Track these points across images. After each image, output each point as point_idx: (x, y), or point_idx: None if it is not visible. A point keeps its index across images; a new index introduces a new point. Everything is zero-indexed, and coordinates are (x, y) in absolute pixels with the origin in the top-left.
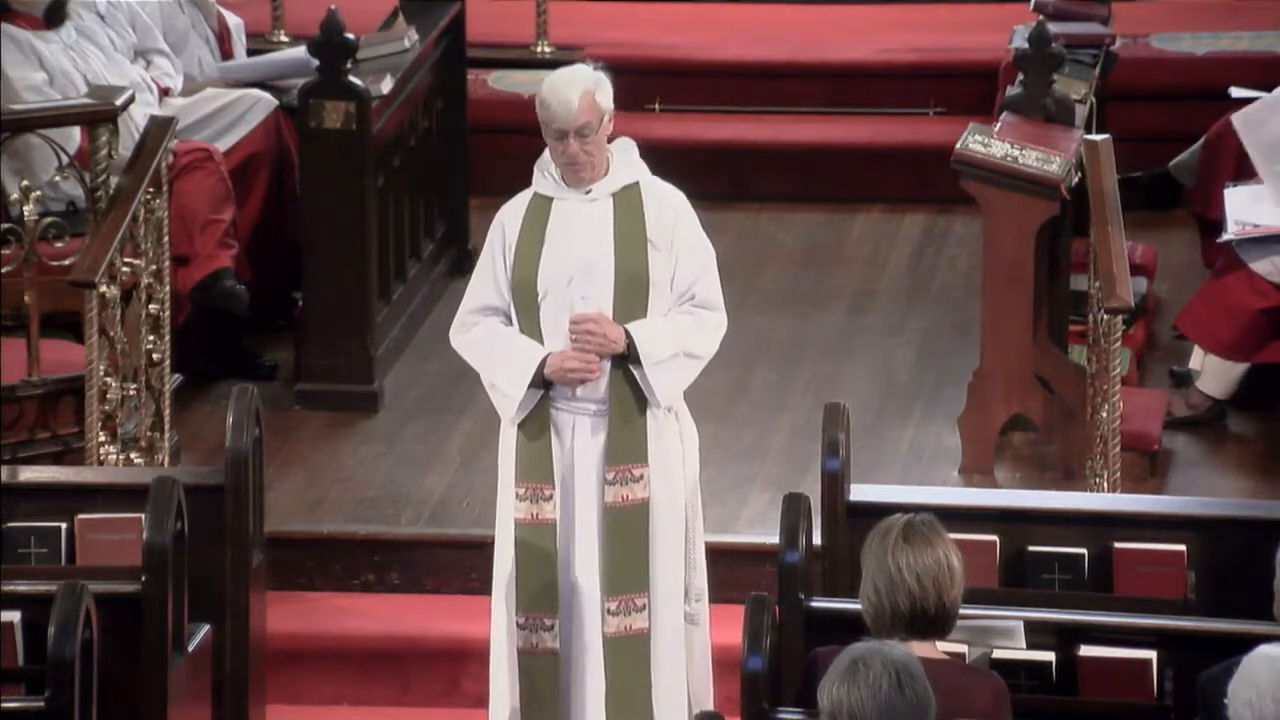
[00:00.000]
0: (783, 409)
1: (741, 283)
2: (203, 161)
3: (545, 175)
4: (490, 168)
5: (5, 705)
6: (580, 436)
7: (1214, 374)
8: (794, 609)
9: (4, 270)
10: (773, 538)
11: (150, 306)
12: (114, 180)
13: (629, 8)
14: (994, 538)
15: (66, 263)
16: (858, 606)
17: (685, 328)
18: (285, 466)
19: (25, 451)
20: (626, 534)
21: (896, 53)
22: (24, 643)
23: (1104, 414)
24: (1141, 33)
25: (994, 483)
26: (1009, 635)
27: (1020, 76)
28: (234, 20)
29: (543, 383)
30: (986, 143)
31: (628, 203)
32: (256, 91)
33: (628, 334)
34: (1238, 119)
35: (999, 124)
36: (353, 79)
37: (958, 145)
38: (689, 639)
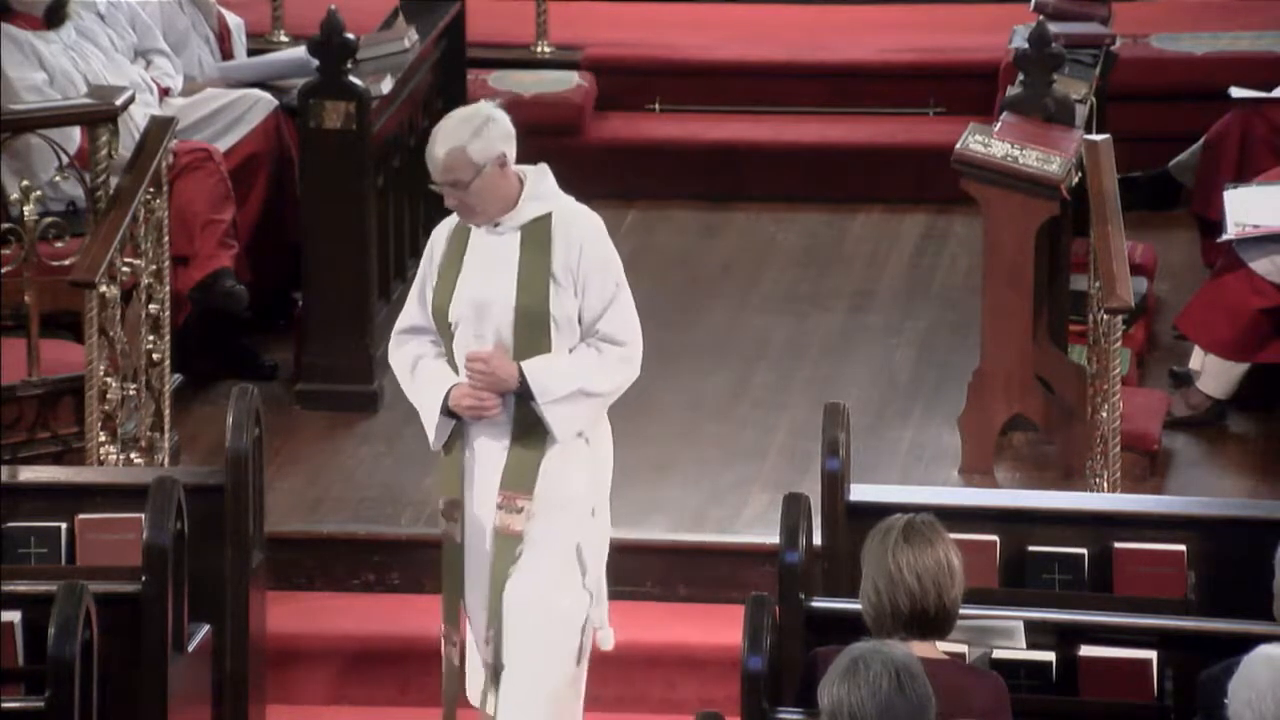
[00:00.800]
0: (783, 409)
1: (741, 283)
2: (203, 161)
3: None
4: None
5: (5, 705)
6: (484, 464)
7: (1214, 374)
8: (794, 609)
9: (4, 270)
10: (773, 538)
11: (150, 306)
12: (114, 180)
13: (629, 8)
14: (994, 538)
15: (66, 263)
16: (858, 606)
17: (585, 364)
18: (285, 466)
19: (25, 451)
20: (504, 562)
21: (896, 53)
22: (24, 643)
23: (1104, 414)
24: (1141, 33)
25: (994, 483)
26: (1009, 635)
27: (1020, 76)
28: (234, 20)
29: (451, 412)
30: (986, 143)
31: (535, 236)
32: (256, 91)
33: (521, 372)
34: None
35: (999, 124)
36: (353, 79)
37: (958, 145)
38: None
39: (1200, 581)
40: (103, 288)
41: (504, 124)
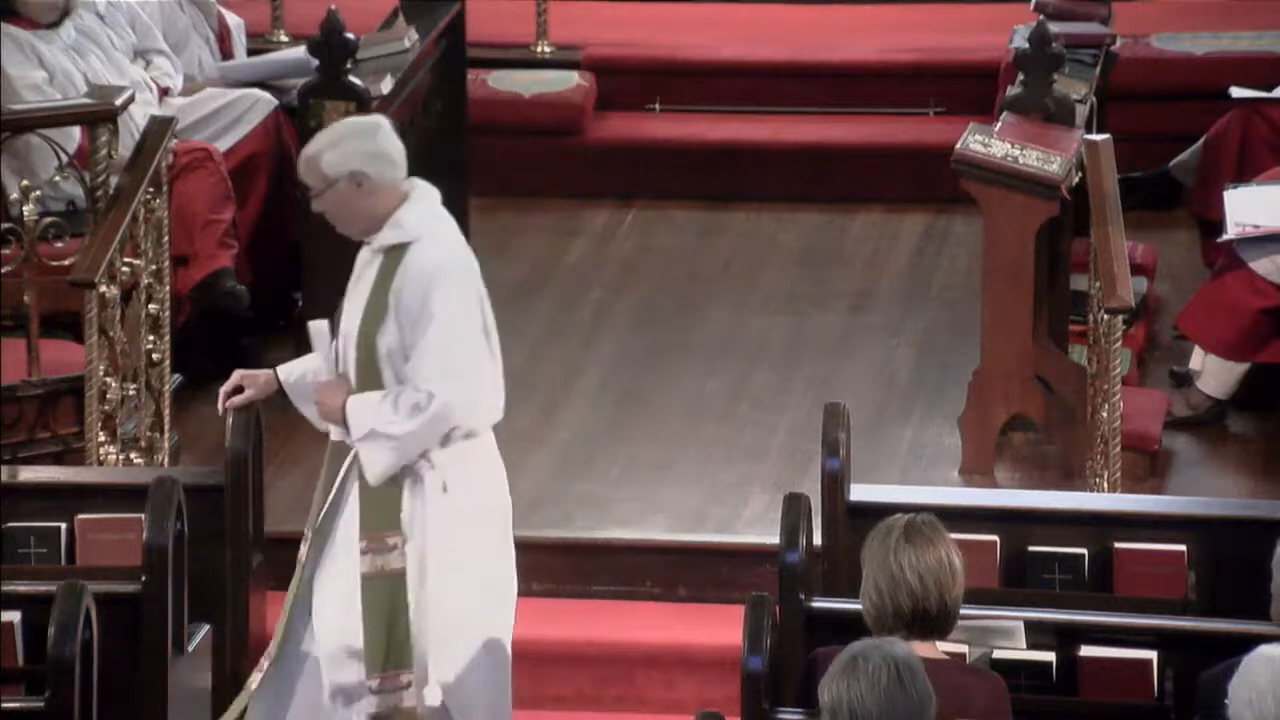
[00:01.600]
0: (783, 409)
1: (741, 283)
2: (203, 161)
3: None
4: (490, 168)
5: (5, 705)
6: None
7: (1214, 374)
8: (794, 609)
9: (4, 270)
10: (773, 538)
11: (150, 306)
12: (114, 180)
13: (629, 8)
14: (994, 538)
15: (66, 263)
16: (858, 606)
17: (385, 406)
18: (285, 466)
19: (25, 451)
20: (381, 607)
21: (896, 53)
22: (24, 643)
23: (1104, 414)
24: (1141, 33)
25: (994, 483)
26: (1009, 635)
27: (1020, 76)
28: (234, 20)
29: None
30: (986, 143)
31: (390, 264)
32: (256, 91)
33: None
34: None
35: (999, 124)
36: (353, 79)
37: (958, 145)
38: None
39: (1200, 581)
40: (103, 288)
41: (374, 143)
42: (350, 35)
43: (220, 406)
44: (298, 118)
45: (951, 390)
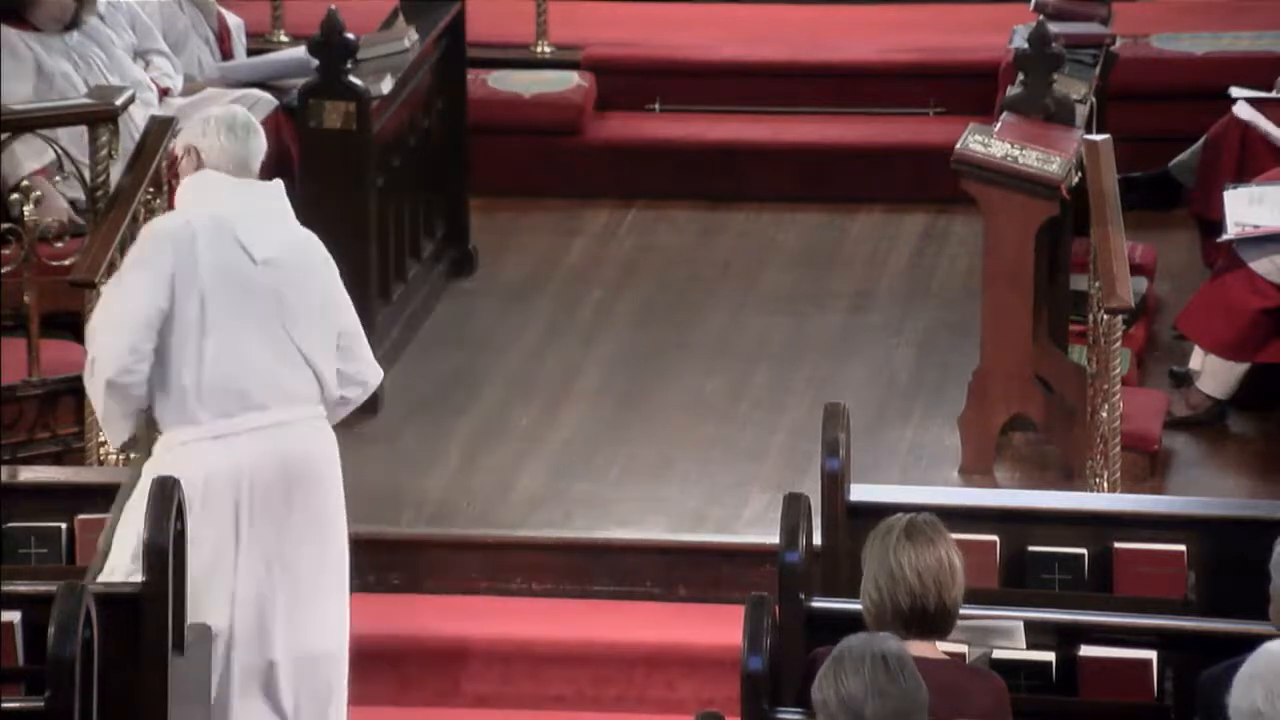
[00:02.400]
0: (783, 409)
1: (741, 283)
2: None
3: None
4: (490, 168)
5: (5, 705)
6: None
7: (1214, 374)
8: (794, 609)
9: (4, 270)
10: (773, 538)
11: None
12: (114, 180)
13: (629, 8)
14: (994, 538)
15: (66, 263)
16: (858, 606)
17: None
18: None
19: (25, 451)
20: None
21: (896, 53)
22: (24, 643)
23: (1104, 414)
24: (1141, 33)
25: (994, 483)
26: (1009, 635)
27: (1020, 76)
28: (234, 20)
29: None
30: (986, 143)
31: None
32: (256, 91)
33: None
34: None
35: (999, 124)
36: (353, 79)
37: (958, 145)
38: None
39: (1200, 581)
40: (103, 288)
41: (219, 122)
42: (350, 35)
43: None
44: (298, 118)
45: (951, 390)
